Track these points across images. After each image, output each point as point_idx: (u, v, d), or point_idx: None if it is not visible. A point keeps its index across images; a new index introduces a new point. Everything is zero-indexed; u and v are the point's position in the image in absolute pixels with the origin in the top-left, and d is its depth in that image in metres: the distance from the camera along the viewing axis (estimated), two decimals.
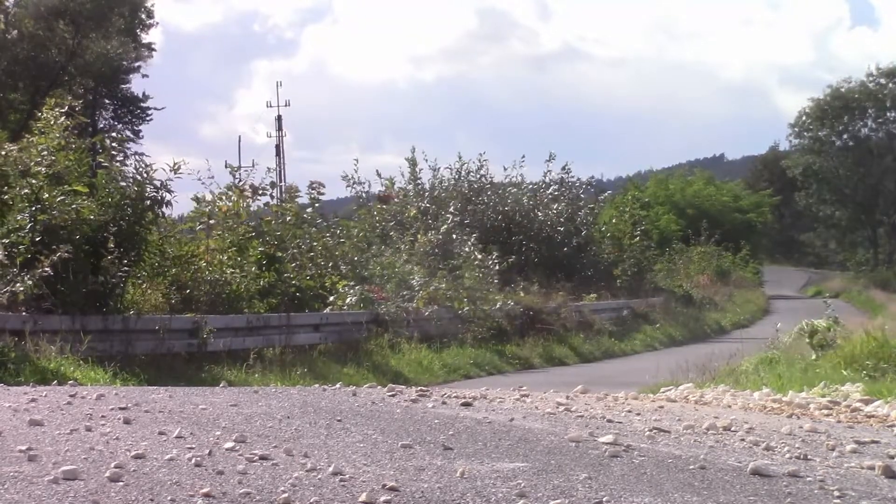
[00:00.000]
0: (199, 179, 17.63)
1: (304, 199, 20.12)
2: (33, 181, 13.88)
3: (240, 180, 18.31)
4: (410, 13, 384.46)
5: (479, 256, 23.53)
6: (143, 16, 43.08)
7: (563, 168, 31.56)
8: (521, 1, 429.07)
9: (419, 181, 29.35)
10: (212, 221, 17.34)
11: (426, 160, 30.49)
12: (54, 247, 12.74)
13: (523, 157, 34.18)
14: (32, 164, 14.30)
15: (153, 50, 44.31)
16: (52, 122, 15.07)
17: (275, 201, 19.24)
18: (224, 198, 17.88)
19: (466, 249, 23.65)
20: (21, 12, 37.59)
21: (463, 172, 29.72)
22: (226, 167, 18.62)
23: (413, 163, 29.56)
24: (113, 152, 15.37)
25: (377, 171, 35.85)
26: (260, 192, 18.47)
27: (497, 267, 23.87)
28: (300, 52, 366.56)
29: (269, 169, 19.67)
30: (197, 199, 17.64)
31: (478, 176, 29.65)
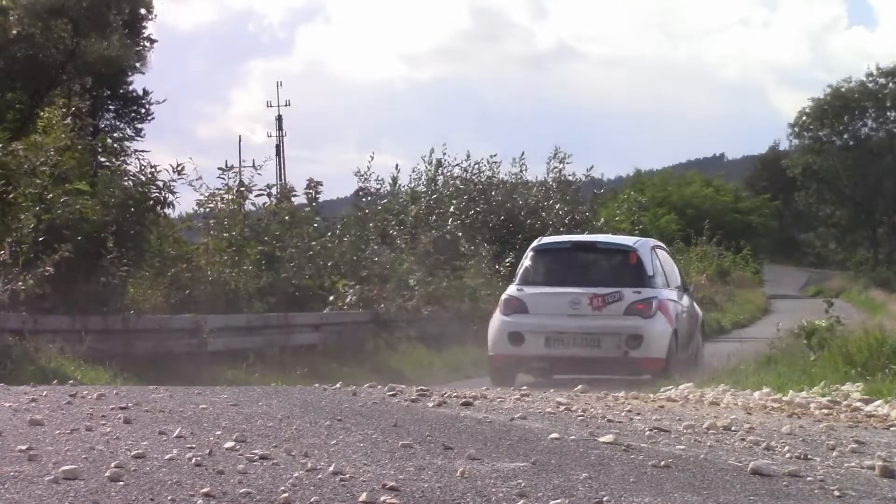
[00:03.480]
0: (191, 184, 17.47)
1: (301, 198, 20.08)
2: (38, 181, 13.90)
3: (238, 181, 18.30)
4: (404, 13, 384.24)
5: (483, 253, 23.56)
6: (144, 10, 42.91)
7: (561, 161, 31.18)
8: (517, 1, 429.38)
9: (436, 182, 28.98)
10: (212, 221, 17.34)
11: (444, 153, 29.80)
12: (56, 245, 12.77)
13: (523, 153, 32.84)
14: (38, 163, 14.30)
15: (154, 41, 44.13)
16: (54, 122, 15.07)
17: (273, 201, 19.21)
18: (220, 198, 17.85)
19: (463, 248, 23.63)
20: (18, 12, 37.44)
21: (472, 171, 29.49)
22: (225, 168, 18.55)
23: (437, 164, 29.08)
24: (116, 152, 15.42)
25: (396, 164, 35.22)
26: (254, 192, 18.42)
27: (498, 266, 23.86)
28: (295, 51, 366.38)
29: (258, 167, 19.26)
30: (203, 195, 17.64)
31: (486, 176, 29.43)
